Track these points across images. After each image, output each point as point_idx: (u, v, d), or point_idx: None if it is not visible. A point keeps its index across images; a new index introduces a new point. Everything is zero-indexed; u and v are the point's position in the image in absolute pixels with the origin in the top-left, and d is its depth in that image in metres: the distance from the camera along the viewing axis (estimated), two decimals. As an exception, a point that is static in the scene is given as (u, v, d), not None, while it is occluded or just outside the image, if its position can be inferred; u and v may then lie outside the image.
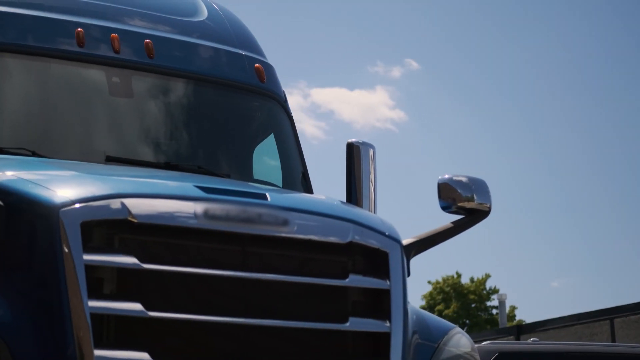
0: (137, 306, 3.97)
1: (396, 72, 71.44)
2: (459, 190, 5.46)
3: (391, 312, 4.45)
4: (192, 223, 4.16)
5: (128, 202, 4.08)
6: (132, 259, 4.01)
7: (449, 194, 5.48)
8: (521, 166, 68.55)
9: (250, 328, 4.18)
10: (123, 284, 4.02)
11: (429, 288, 52.16)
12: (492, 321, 48.42)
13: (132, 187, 4.33)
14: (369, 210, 5.98)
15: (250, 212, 4.27)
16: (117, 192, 4.14)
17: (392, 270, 4.52)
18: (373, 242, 4.53)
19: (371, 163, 6.07)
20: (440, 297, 51.51)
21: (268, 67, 6.35)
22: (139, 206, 4.09)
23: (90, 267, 3.95)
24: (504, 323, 33.60)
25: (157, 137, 5.80)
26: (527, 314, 69.32)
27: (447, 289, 51.48)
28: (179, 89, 5.94)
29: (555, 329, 27.36)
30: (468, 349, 5.02)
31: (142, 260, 4.02)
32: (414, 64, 72.50)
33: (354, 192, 5.92)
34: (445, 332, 4.99)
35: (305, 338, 4.32)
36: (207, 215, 4.18)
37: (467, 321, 51.25)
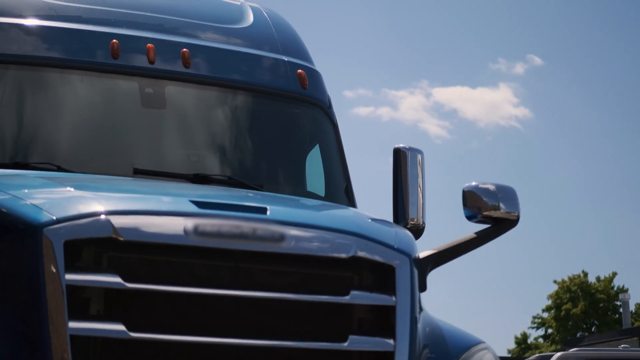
0: (119, 327, 3.86)
1: (519, 68, 70.46)
2: (484, 199, 5.16)
3: (396, 330, 4.24)
4: (181, 240, 4.02)
5: (114, 219, 3.98)
6: (116, 278, 3.90)
7: (475, 203, 5.18)
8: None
9: (242, 349, 4.03)
10: (106, 304, 3.92)
11: (555, 287, 51.34)
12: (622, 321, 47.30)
13: (120, 203, 4.23)
14: (417, 217, 5.74)
15: (244, 228, 4.11)
16: (103, 209, 4.04)
17: (399, 285, 4.30)
18: (378, 256, 4.32)
19: (419, 168, 5.83)
20: (567, 296, 50.62)
21: (312, 73, 6.16)
22: (125, 223, 3.99)
23: (72, 287, 3.86)
24: (627, 324, 32.64)
25: (186, 148, 5.67)
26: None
27: (574, 288, 50.53)
28: (213, 98, 5.80)
29: (681, 330, 26.43)
30: None
31: (128, 280, 3.91)
32: (537, 60, 71.35)
33: (401, 198, 5.71)
34: (467, 347, 4.75)
35: (301, 359, 4.14)
36: (197, 231, 4.03)
37: (596, 321, 50.18)
